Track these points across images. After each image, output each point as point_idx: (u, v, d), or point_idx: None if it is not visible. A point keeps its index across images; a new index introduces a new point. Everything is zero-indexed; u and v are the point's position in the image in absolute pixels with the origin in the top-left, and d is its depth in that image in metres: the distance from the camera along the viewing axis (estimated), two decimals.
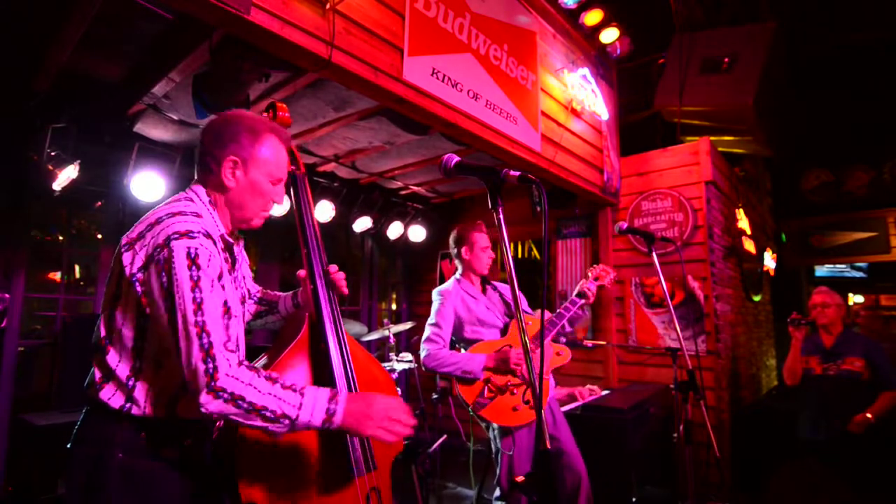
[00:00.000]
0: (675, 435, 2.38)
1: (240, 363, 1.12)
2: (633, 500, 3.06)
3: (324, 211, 4.17)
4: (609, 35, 4.05)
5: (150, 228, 1.16)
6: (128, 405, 1.16)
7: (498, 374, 2.42)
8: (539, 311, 2.56)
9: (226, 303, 1.18)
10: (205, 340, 1.09)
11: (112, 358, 1.17)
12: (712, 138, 4.24)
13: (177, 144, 3.47)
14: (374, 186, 4.83)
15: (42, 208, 3.45)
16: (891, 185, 6.59)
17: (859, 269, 7.96)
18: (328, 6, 2.07)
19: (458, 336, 2.62)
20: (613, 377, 4.33)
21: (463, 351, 2.57)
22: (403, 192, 5.10)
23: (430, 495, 3.33)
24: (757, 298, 5.41)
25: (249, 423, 1.11)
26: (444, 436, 3.55)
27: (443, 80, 2.65)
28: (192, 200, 1.28)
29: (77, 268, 4.35)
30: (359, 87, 2.37)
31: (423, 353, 2.47)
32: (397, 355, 3.83)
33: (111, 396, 1.16)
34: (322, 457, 1.35)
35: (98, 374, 1.18)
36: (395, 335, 3.89)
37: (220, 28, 2.14)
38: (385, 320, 6.11)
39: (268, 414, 1.10)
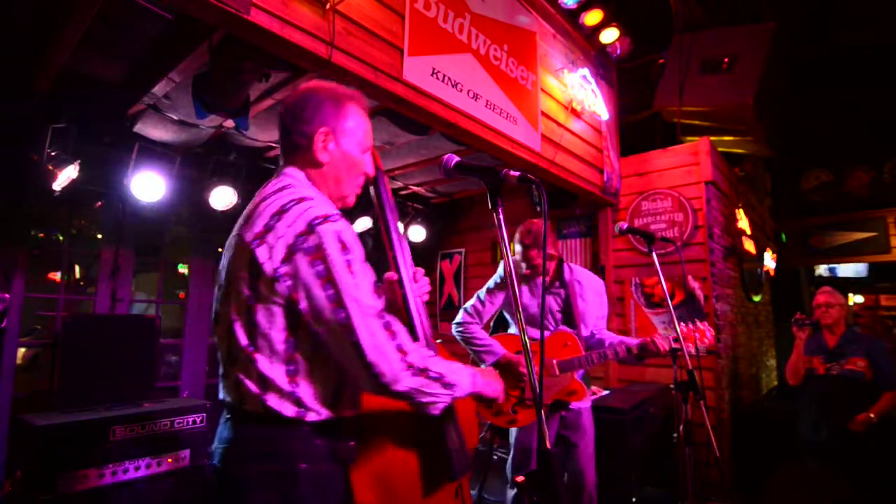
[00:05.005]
0: (675, 435, 2.38)
1: None
2: (633, 500, 3.05)
3: None
4: (609, 35, 4.05)
5: (278, 218, 1.07)
6: (300, 411, 1.08)
7: (505, 374, 2.46)
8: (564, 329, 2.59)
9: (375, 282, 1.15)
10: (385, 319, 1.07)
11: (264, 365, 1.07)
12: (712, 138, 4.24)
13: (177, 144, 3.47)
14: None
15: (42, 208, 3.44)
16: (891, 185, 6.58)
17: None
18: (328, 6, 2.07)
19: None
20: (613, 377, 4.33)
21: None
22: (403, 192, 5.10)
23: None
24: (757, 298, 5.41)
25: (432, 391, 1.11)
26: None
27: (443, 81, 2.64)
28: (293, 185, 1.18)
29: (77, 268, 4.34)
30: (358, 87, 2.36)
31: (457, 318, 2.65)
32: None
33: (280, 405, 1.07)
34: (424, 458, 1.34)
35: (252, 386, 1.07)
36: None
37: (220, 28, 2.14)
38: None
39: (447, 381, 1.12)
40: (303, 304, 1.05)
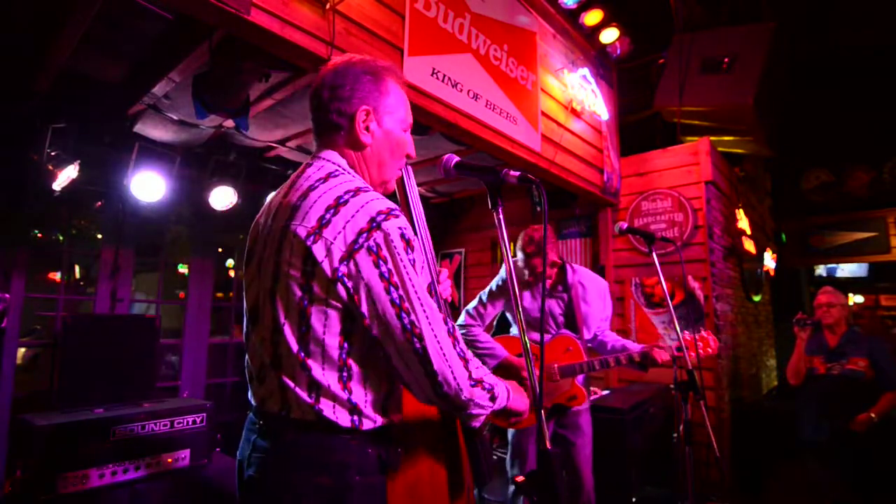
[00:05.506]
0: (675, 435, 2.38)
1: None
2: (633, 500, 3.05)
3: None
4: (609, 35, 4.05)
5: (335, 211, 0.98)
6: (356, 419, 1.01)
7: (506, 377, 2.48)
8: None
9: (429, 285, 1.08)
10: (450, 325, 1.01)
11: (317, 372, 1.00)
12: (712, 138, 4.24)
13: (177, 144, 3.47)
14: None
15: (42, 208, 3.44)
16: (891, 185, 6.58)
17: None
18: (328, 6, 2.07)
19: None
20: (613, 377, 4.33)
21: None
22: None
23: None
24: (757, 298, 5.41)
25: (482, 403, 1.05)
26: None
27: (443, 81, 2.65)
28: (341, 173, 1.09)
29: (77, 268, 4.34)
30: None
31: (458, 319, 2.67)
32: None
33: (336, 414, 1.00)
34: (450, 464, 1.32)
35: (303, 393, 1.00)
36: None
37: (220, 28, 2.14)
38: None
39: (494, 393, 1.07)
40: (364, 307, 0.97)
